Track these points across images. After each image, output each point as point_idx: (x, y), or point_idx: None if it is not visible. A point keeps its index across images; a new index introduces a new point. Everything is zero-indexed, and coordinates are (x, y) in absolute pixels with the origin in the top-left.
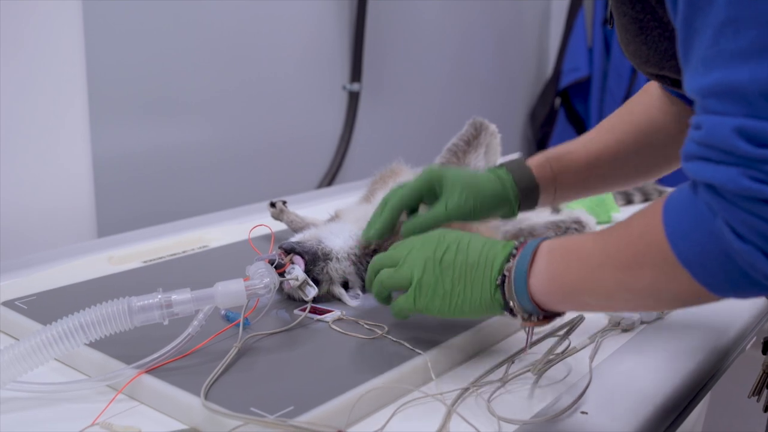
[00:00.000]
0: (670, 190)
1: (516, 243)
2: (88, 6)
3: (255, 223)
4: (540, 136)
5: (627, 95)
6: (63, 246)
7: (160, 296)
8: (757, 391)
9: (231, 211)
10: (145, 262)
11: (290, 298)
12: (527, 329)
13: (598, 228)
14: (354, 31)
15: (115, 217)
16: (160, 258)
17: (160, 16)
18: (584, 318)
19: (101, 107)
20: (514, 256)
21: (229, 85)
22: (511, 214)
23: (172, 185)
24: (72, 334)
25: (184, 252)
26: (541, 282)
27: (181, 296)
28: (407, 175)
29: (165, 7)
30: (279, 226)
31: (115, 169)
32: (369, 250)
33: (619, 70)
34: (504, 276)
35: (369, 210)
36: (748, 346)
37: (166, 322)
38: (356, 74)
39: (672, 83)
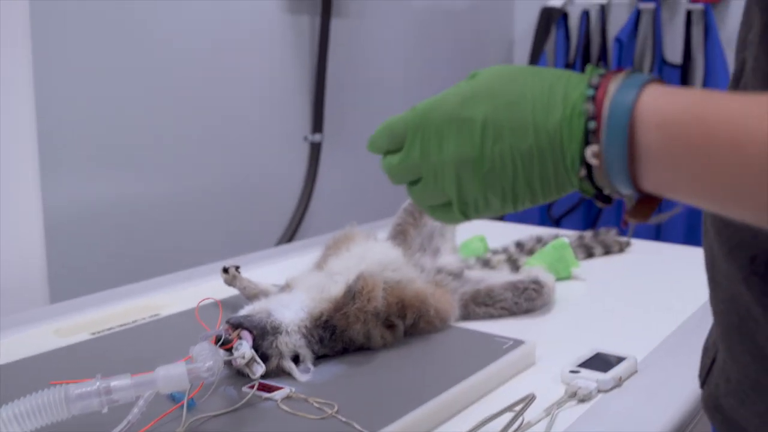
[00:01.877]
0: (625, 239)
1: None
2: (37, 50)
3: (209, 285)
4: None
5: None
6: (8, 314)
7: (98, 383)
8: None
9: (185, 272)
10: (93, 333)
11: (239, 373)
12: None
13: (557, 286)
14: (314, 81)
15: (66, 274)
16: (110, 329)
17: (115, 63)
18: (535, 397)
19: (53, 158)
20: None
21: (186, 138)
22: None
23: (126, 242)
24: (6, 425)
25: (134, 321)
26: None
27: (120, 382)
28: (361, 240)
29: (120, 54)
30: (232, 291)
31: (68, 224)
32: (320, 321)
33: None
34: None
35: (321, 278)
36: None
37: (105, 410)
38: (318, 125)
39: None
